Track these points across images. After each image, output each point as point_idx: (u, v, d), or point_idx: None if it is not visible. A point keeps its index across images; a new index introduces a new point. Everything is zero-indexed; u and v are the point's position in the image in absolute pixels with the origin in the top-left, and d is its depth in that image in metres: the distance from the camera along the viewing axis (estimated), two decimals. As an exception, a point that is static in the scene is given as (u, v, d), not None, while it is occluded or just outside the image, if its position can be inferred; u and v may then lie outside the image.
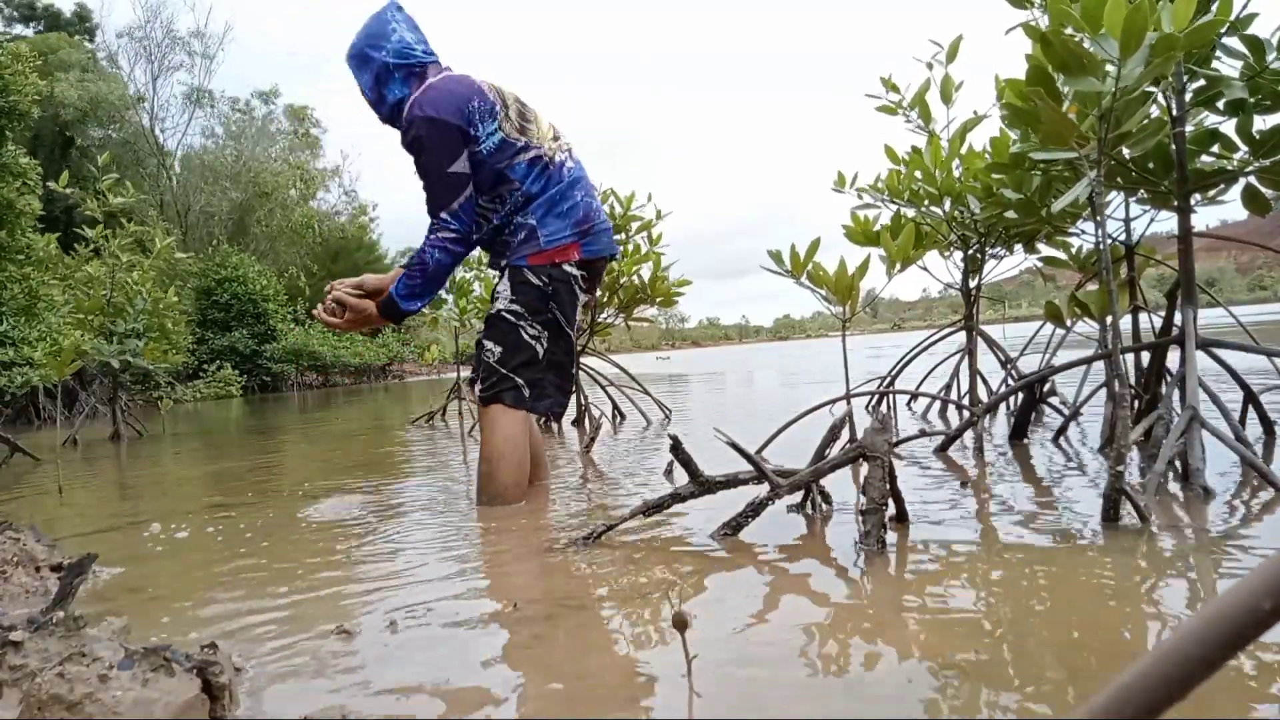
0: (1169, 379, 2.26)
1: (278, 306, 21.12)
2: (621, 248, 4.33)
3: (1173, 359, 2.29)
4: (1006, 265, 3.07)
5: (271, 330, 20.42)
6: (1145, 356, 2.51)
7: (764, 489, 1.63)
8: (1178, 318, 2.14)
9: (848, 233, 3.09)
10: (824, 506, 1.83)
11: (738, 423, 4.14)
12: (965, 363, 3.41)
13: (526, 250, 2.15)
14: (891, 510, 1.63)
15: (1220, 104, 1.95)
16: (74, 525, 2.39)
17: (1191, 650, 0.32)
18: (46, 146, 21.61)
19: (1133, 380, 2.55)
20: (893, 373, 4.07)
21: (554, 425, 4.31)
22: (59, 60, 22.93)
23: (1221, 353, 2.20)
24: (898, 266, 2.17)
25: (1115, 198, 2.34)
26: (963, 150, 2.75)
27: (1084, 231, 2.66)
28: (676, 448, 1.65)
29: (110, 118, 23.54)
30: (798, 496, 1.84)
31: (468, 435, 4.38)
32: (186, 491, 3.17)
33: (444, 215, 2.13)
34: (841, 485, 2.06)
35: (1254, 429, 2.50)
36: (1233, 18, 1.81)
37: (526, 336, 2.15)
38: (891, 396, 4.01)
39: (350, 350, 22.01)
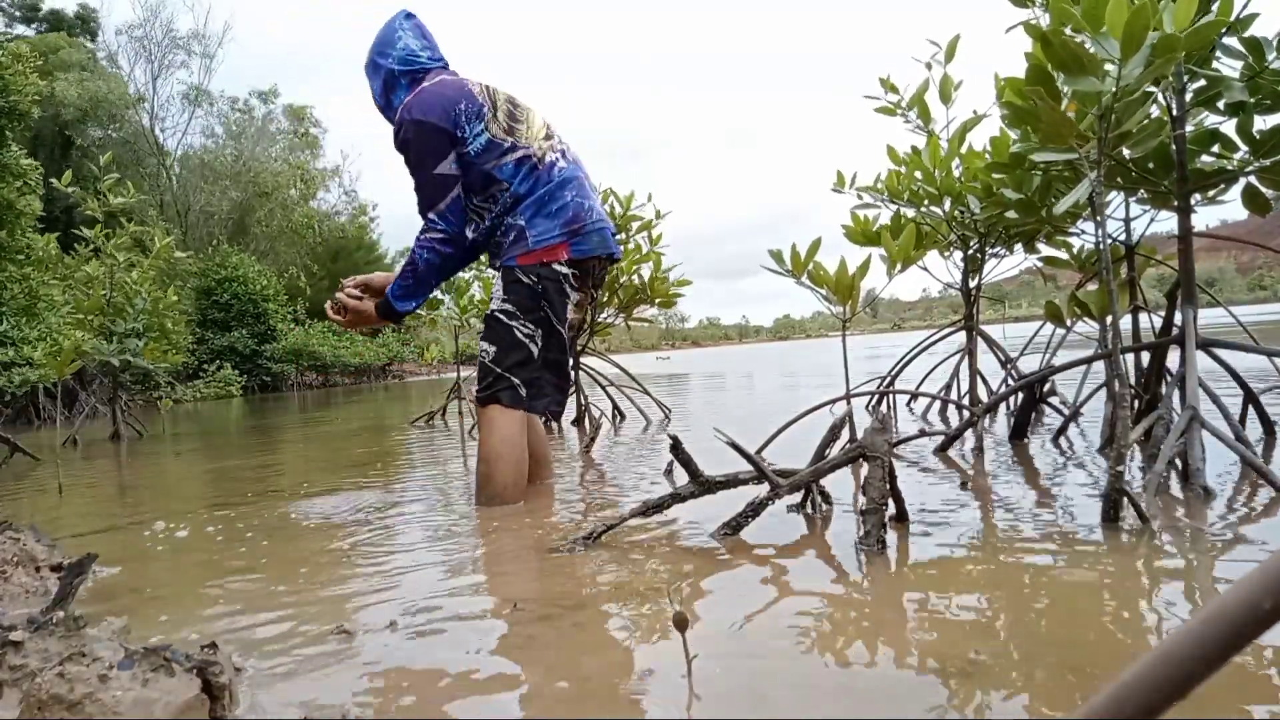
0: (1169, 379, 2.26)
1: (278, 306, 21.11)
2: (622, 248, 4.33)
3: (1173, 359, 2.29)
4: (1006, 265, 3.08)
5: (271, 330, 20.42)
6: (1145, 356, 2.51)
7: (764, 489, 1.63)
8: (1178, 318, 2.14)
9: (848, 233, 3.10)
10: (824, 506, 1.83)
11: (738, 423, 4.14)
12: (965, 363, 3.41)
13: (516, 251, 2.17)
14: (891, 510, 1.63)
15: (1220, 104, 1.95)
16: (74, 525, 2.39)
17: (1191, 650, 0.32)
18: (46, 146, 21.61)
19: (1133, 380, 2.55)
20: (893, 373, 4.07)
21: (554, 425, 4.31)
22: (59, 60, 22.93)
23: (1221, 353, 2.20)
24: (898, 267, 2.17)
25: (1115, 198, 2.34)
26: (962, 150, 2.75)
27: (1084, 231, 2.67)
28: (676, 448, 1.65)
29: (110, 118, 23.53)
30: (798, 496, 1.84)
31: (468, 435, 4.38)
32: (186, 491, 3.17)
33: (432, 216, 2.19)
34: (841, 485, 2.06)
35: (1254, 429, 2.50)
36: (1233, 18, 1.81)
37: (520, 336, 2.16)
38: (891, 396, 4.01)
39: (350, 350, 22.01)
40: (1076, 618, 1.10)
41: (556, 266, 2.16)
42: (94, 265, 6.30)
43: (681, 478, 1.89)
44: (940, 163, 2.72)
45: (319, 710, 0.93)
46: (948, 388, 3.95)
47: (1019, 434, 2.84)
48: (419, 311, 4.53)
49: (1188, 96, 1.95)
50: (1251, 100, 1.88)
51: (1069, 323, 2.77)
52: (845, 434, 2.21)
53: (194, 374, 17.51)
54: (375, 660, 1.08)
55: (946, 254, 3.13)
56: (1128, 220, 2.43)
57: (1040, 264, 3.00)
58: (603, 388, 4.92)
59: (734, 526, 1.64)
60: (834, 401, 2.82)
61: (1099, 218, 1.69)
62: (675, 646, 1.02)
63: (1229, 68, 1.91)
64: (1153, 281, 4.06)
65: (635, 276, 4.47)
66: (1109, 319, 2.22)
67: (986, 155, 2.60)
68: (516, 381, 2.16)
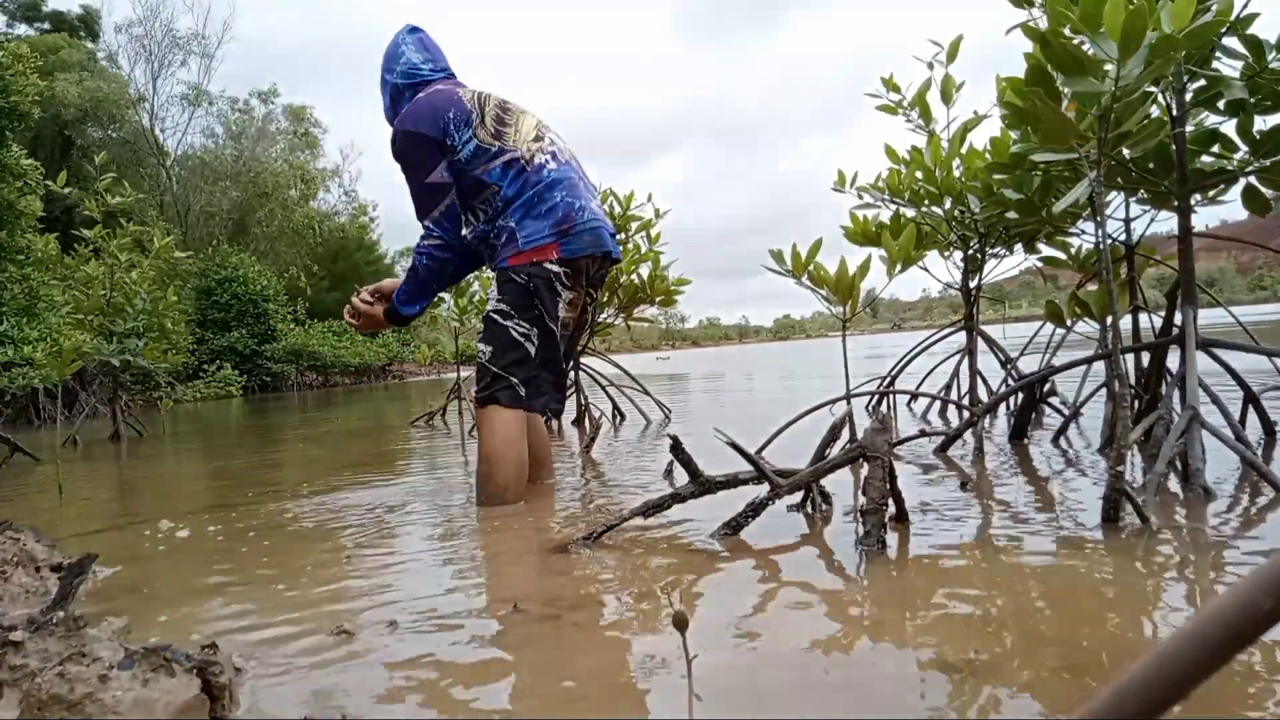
0: (1169, 379, 2.26)
1: (278, 306, 21.11)
2: (621, 248, 4.33)
3: (1173, 359, 2.29)
4: (1006, 265, 3.08)
5: (271, 330, 20.41)
6: (1145, 356, 2.51)
7: (764, 489, 1.63)
8: (1178, 318, 2.14)
9: (848, 233, 3.10)
10: (824, 506, 1.83)
11: (738, 423, 4.14)
12: (965, 363, 3.41)
13: (507, 252, 2.19)
14: (891, 510, 1.63)
15: (1220, 104, 1.95)
16: (74, 525, 2.39)
17: (1191, 650, 0.32)
18: (46, 146, 21.60)
19: (1133, 380, 2.55)
20: (893, 373, 4.07)
21: (554, 424, 4.31)
22: (60, 60, 22.92)
23: (1221, 353, 2.20)
24: (898, 267, 2.17)
25: (1115, 198, 2.34)
26: (963, 150, 2.75)
27: (1084, 231, 2.66)
28: (676, 448, 1.65)
29: (110, 118, 23.52)
30: (798, 496, 1.84)
31: (468, 435, 4.38)
32: (186, 491, 3.17)
33: (428, 223, 2.26)
34: (841, 485, 2.06)
35: (1254, 429, 2.50)
36: (1233, 18, 1.81)
37: (516, 335, 2.17)
38: (891, 396, 4.01)
39: (350, 350, 22.01)
40: (1076, 618, 1.10)
41: (547, 265, 2.17)
42: (94, 265, 6.29)
43: (681, 478, 1.89)
44: (941, 162, 2.72)
45: (319, 710, 0.93)
46: (948, 388, 3.95)
47: (1019, 434, 2.84)
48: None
49: (1188, 96, 1.95)
50: (1251, 100, 1.88)
51: (1069, 323, 2.77)
52: (845, 434, 2.21)
53: (194, 374, 17.51)
54: (375, 660, 1.08)
55: (946, 254, 3.13)
56: (1128, 220, 2.43)
57: (1040, 264, 3.00)
58: (603, 388, 4.92)
59: (734, 526, 1.64)
60: (834, 401, 2.82)
61: (1099, 218, 1.68)
62: (675, 646, 1.02)
63: (1229, 67, 1.91)
64: (1153, 281, 4.06)
65: (635, 276, 4.47)
66: (1109, 319, 2.22)
67: (987, 155, 2.60)
68: (515, 381, 2.17)
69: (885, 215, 3.10)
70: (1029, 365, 3.61)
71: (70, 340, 5.09)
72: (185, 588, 1.57)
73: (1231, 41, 1.87)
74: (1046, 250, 2.92)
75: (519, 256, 2.17)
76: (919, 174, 2.77)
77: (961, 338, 3.40)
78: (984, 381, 3.63)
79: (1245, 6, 1.81)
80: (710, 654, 1.02)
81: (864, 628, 1.11)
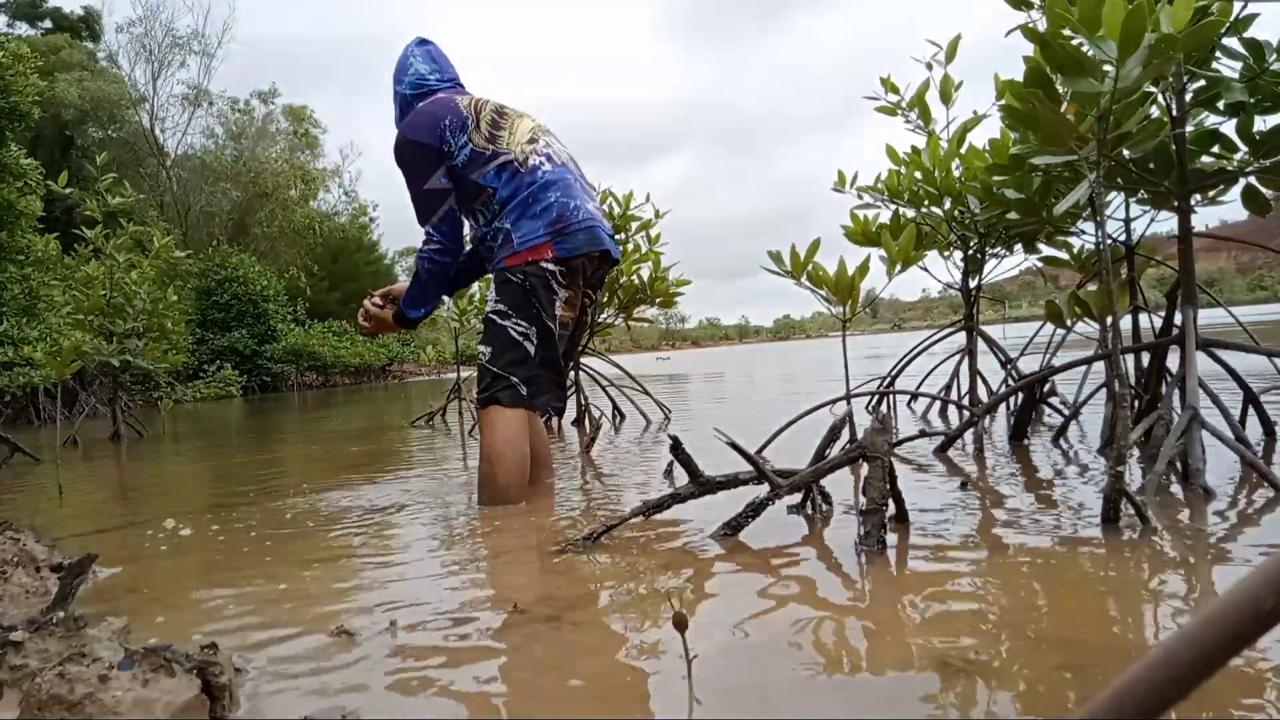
0: (1169, 379, 2.26)
1: (278, 307, 21.12)
2: (620, 249, 4.33)
3: (1173, 359, 2.29)
4: (1006, 265, 3.08)
5: (272, 330, 20.42)
6: (1145, 357, 2.51)
7: (764, 489, 1.63)
8: (1178, 318, 2.14)
9: (847, 233, 3.10)
10: (824, 507, 1.83)
11: (738, 423, 4.14)
12: (965, 363, 3.41)
13: (504, 253, 2.20)
14: (891, 510, 1.63)
15: (1220, 104, 1.95)
16: (74, 525, 2.39)
17: (1191, 651, 0.32)
18: (47, 147, 21.59)
19: (1133, 380, 2.55)
20: (893, 373, 4.07)
21: (554, 424, 4.31)
22: (60, 60, 22.93)
23: (1221, 353, 2.20)
24: (898, 267, 2.17)
25: (1115, 198, 2.34)
26: (962, 150, 2.75)
27: (1084, 231, 2.66)
28: (676, 448, 1.65)
29: (110, 118, 23.53)
30: (798, 497, 1.84)
31: (468, 435, 4.38)
32: (186, 491, 3.17)
33: (428, 228, 2.30)
34: (841, 485, 2.06)
35: (1254, 430, 2.50)
36: (1232, 19, 1.81)
37: (515, 334, 2.18)
38: (891, 396, 4.01)
39: (350, 350, 22.02)
40: (1076, 618, 1.10)
41: (543, 264, 2.18)
42: (94, 265, 6.29)
43: (681, 478, 1.89)
44: (940, 162, 2.72)
45: (319, 710, 0.93)
46: (948, 388, 3.95)
47: (1019, 434, 2.84)
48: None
49: (1187, 97, 1.95)
50: (1251, 101, 1.88)
51: (1069, 323, 2.77)
52: (845, 434, 2.21)
53: (194, 374, 17.51)
54: (375, 660, 1.08)
55: (946, 254, 3.13)
56: (1128, 220, 2.43)
57: (1040, 264, 3.00)
58: (603, 388, 4.92)
59: (734, 527, 1.64)
60: (834, 401, 2.82)
61: (1099, 218, 1.69)
62: (675, 646, 1.02)
63: (1229, 68, 1.91)
64: (1153, 281, 4.05)
65: (635, 277, 4.47)
66: (1109, 319, 2.22)
67: (986, 155, 2.60)
68: (515, 380, 2.18)
69: (885, 216, 3.10)
70: (1029, 365, 3.61)
71: (70, 340, 5.09)
72: (185, 588, 1.57)
73: (1231, 42, 1.87)
74: (1046, 250, 2.92)
75: (515, 257, 2.18)
76: (918, 174, 2.77)
77: (961, 338, 3.40)
78: (984, 382, 3.63)
79: (1245, 7, 1.81)
80: (710, 654, 1.02)
81: (864, 627, 1.11)
